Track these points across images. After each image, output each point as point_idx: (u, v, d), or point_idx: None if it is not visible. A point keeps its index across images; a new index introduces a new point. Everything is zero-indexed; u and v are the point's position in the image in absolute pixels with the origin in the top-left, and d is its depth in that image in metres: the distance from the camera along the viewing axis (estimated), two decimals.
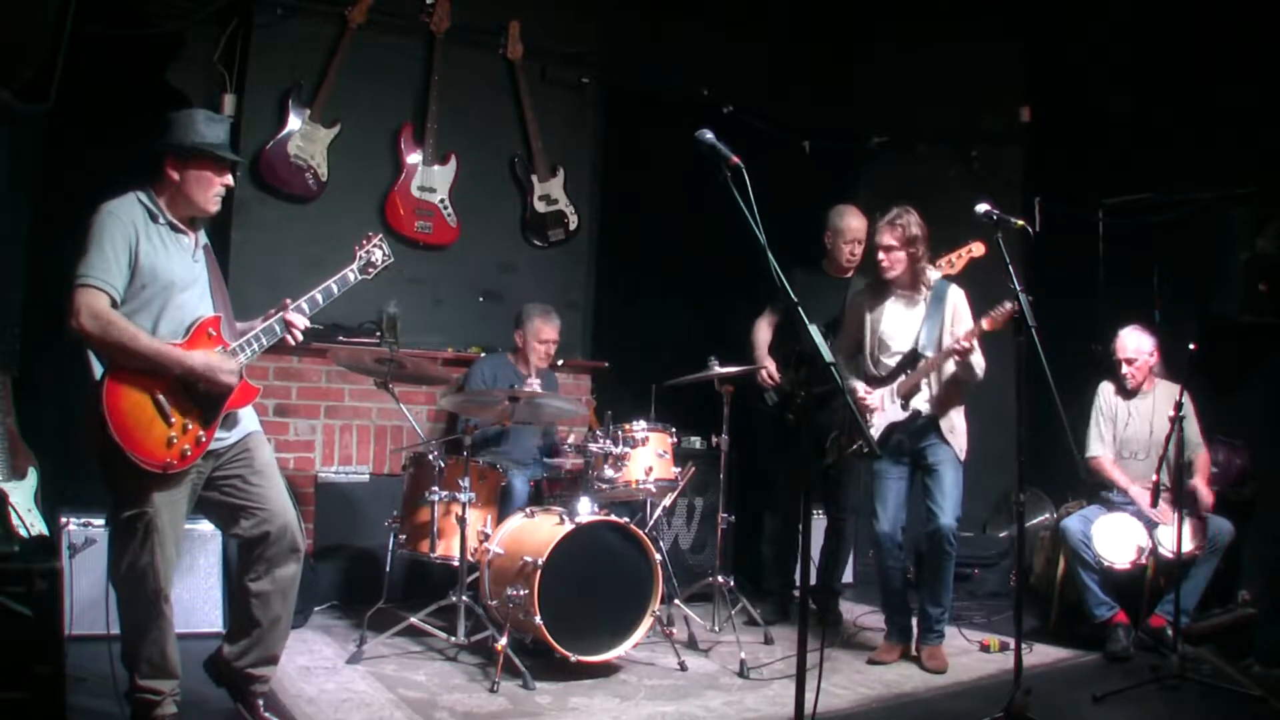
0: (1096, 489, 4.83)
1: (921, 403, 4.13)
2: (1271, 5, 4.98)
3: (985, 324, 3.87)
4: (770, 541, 5.04)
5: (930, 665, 4.13)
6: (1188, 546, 4.34)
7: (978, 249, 4.31)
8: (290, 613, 3.09)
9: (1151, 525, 4.50)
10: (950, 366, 4.09)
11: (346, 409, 5.18)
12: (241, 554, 3.07)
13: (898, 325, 4.22)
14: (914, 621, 4.30)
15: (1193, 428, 4.62)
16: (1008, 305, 3.73)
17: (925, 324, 4.14)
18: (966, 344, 3.93)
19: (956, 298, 4.16)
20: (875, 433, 4.15)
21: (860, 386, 4.22)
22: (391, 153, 5.36)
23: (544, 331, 4.94)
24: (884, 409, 4.18)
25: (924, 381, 4.12)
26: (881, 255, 4.15)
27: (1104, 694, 3.74)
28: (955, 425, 4.17)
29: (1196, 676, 3.85)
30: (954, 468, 4.13)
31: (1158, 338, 4.77)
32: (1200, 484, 4.54)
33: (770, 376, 4.87)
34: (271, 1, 5.00)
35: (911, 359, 4.12)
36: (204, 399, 2.88)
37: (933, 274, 4.19)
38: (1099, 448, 4.82)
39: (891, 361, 4.20)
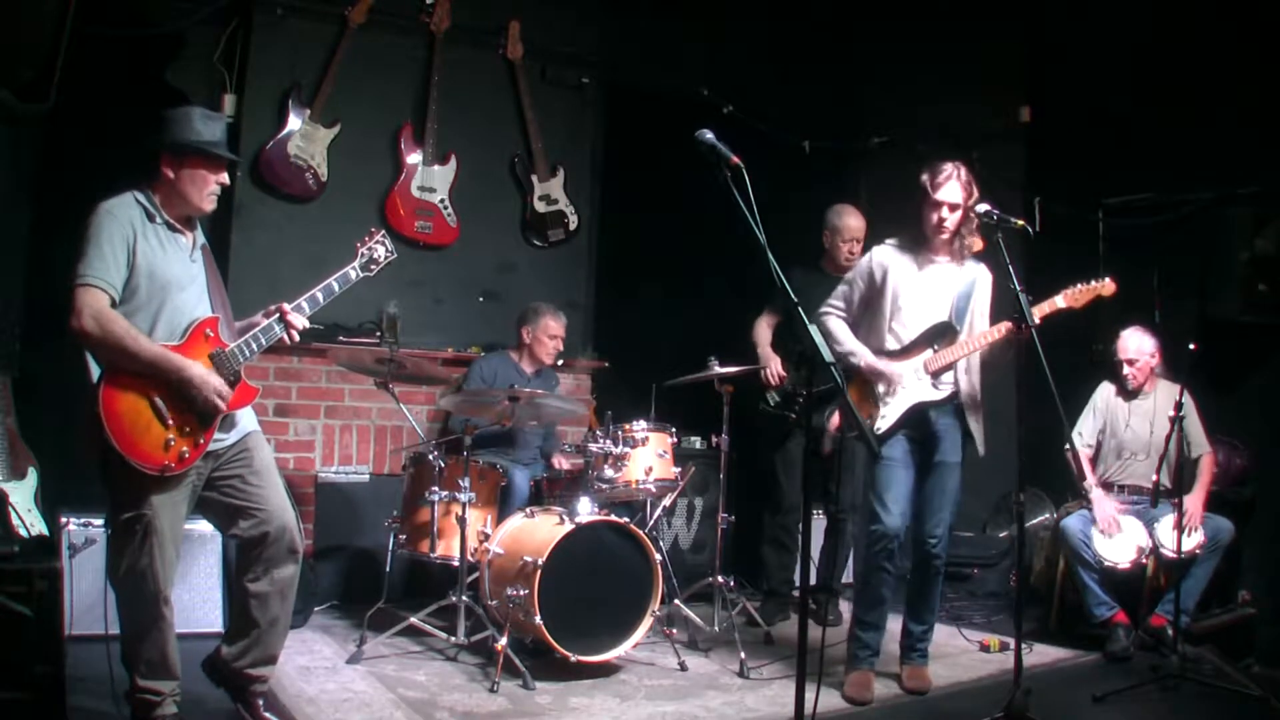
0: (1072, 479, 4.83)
1: (951, 382, 3.78)
2: (1271, 5, 4.98)
3: (1062, 301, 3.65)
4: (769, 541, 5.04)
5: (910, 685, 3.83)
6: (1188, 546, 4.34)
7: (976, 243, 4.17)
8: (289, 613, 3.09)
9: (1152, 524, 4.51)
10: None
11: (346, 409, 5.18)
12: (240, 554, 3.07)
13: (928, 293, 3.79)
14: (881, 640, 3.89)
15: (1196, 428, 4.63)
16: (1096, 284, 3.61)
17: (959, 297, 3.76)
18: (1036, 320, 3.47)
19: (987, 280, 3.83)
20: (898, 411, 3.74)
21: (885, 366, 3.75)
22: (391, 153, 5.37)
23: (553, 327, 4.97)
24: (905, 385, 3.75)
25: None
26: (946, 213, 3.68)
27: (1104, 694, 3.74)
28: (981, 416, 3.84)
29: (1196, 676, 3.84)
30: (961, 469, 3.82)
31: (1159, 339, 4.78)
32: (1197, 496, 4.52)
33: (775, 374, 4.87)
34: (271, 1, 5.01)
35: (942, 331, 3.74)
36: (201, 407, 2.88)
37: (975, 243, 3.80)
38: (1078, 441, 4.81)
39: (913, 331, 3.79)
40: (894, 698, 3.80)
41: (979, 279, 3.82)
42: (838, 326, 3.90)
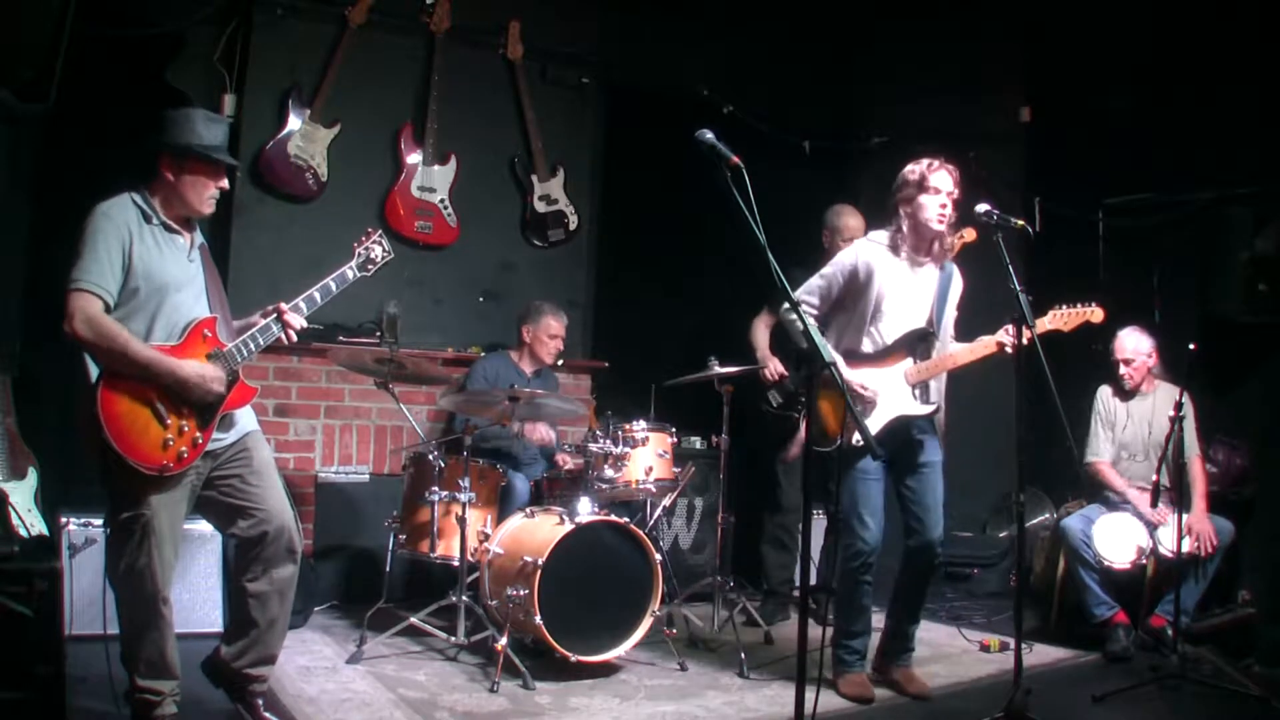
0: (1097, 490, 4.83)
1: (935, 397, 3.72)
2: (1271, 5, 4.98)
3: (1050, 322, 3.62)
4: (769, 541, 5.04)
5: (914, 689, 3.75)
6: (1187, 546, 4.34)
7: (969, 234, 4.03)
8: (288, 613, 3.09)
9: (1152, 526, 4.50)
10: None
11: (346, 409, 5.18)
12: (239, 554, 3.07)
13: (911, 296, 3.70)
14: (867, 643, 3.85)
15: (1190, 431, 4.61)
16: (1084, 309, 3.56)
17: (938, 302, 3.69)
18: (1033, 326, 3.40)
19: (959, 284, 3.77)
20: (879, 423, 3.65)
21: (860, 386, 3.64)
22: (391, 153, 5.37)
23: (554, 326, 4.96)
24: (886, 398, 3.66)
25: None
26: (948, 203, 3.59)
27: (1104, 694, 3.74)
28: (943, 423, 3.81)
29: (1196, 676, 3.84)
30: (940, 469, 3.75)
31: (1157, 339, 4.78)
32: (1198, 508, 4.52)
33: (774, 373, 4.87)
34: (271, 1, 5.01)
35: (921, 337, 3.67)
36: (200, 401, 2.88)
37: (966, 235, 3.77)
38: (1097, 453, 4.80)
39: (892, 335, 3.70)
40: (892, 697, 3.79)
41: (954, 282, 3.76)
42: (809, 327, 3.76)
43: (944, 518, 3.75)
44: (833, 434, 3.68)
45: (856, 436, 3.59)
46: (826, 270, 3.82)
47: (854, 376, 3.65)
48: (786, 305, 3.70)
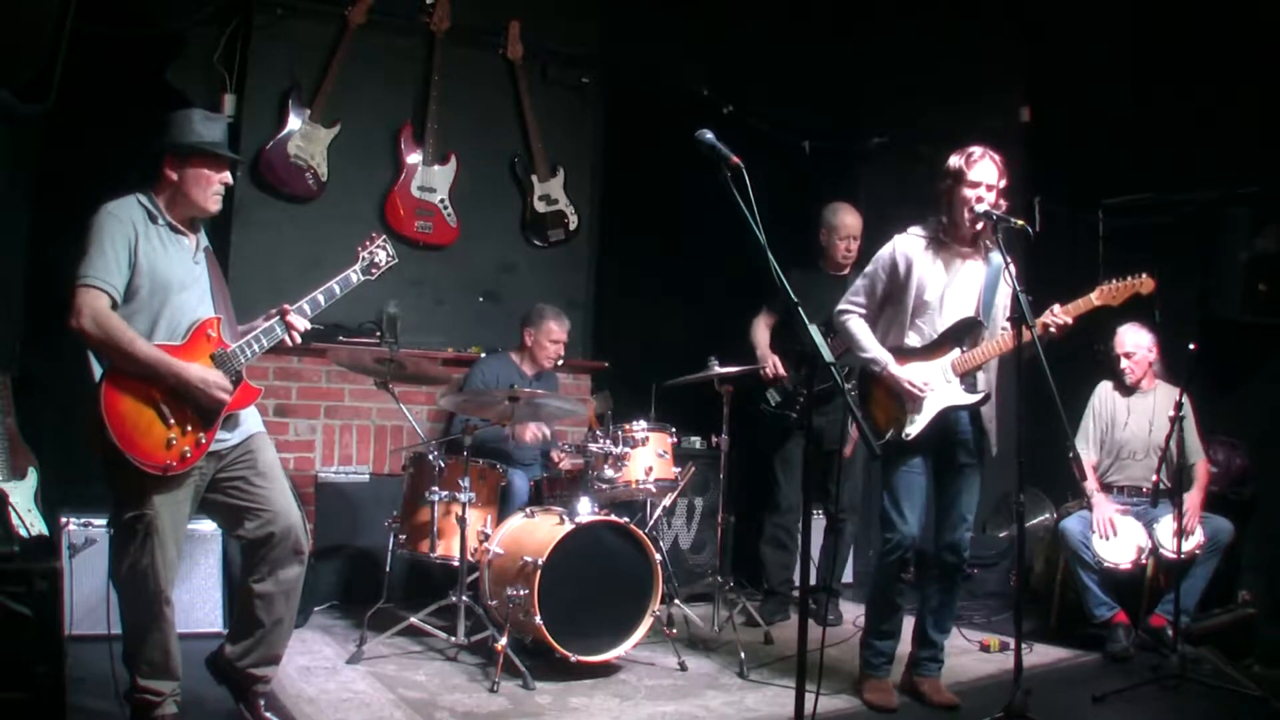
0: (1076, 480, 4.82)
1: (983, 385, 3.61)
2: (1270, 5, 4.98)
3: (1098, 298, 3.53)
4: (769, 541, 5.05)
5: (940, 700, 3.63)
6: (1187, 547, 4.35)
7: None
8: (293, 614, 3.09)
9: (1151, 524, 4.51)
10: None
11: (346, 409, 5.18)
12: (245, 555, 3.07)
13: (955, 287, 3.60)
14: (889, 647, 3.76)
15: (1192, 434, 4.62)
16: (1133, 280, 3.50)
17: (986, 291, 3.59)
18: (1068, 320, 3.44)
19: (1005, 272, 3.58)
20: (929, 416, 3.56)
21: (909, 384, 3.53)
22: (391, 153, 5.37)
23: (556, 331, 4.95)
24: (932, 387, 3.54)
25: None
26: (984, 193, 3.48)
27: (1104, 694, 3.75)
28: (994, 414, 3.68)
29: (1196, 676, 3.85)
30: (978, 472, 3.65)
31: (1156, 335, 4.79)
32: (1195, 496, 4.52)
33: (774, 371, 4.87)
34: (271, 1, 5.01)
35: (969, 327, 3.57)
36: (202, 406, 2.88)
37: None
38: (1082, 447, 4.80)
39: (938, 328, 3.60)
40: None
41: (1002, 271, 3.61)
42: (859, 328, 3.68)
43: (973, 522, 3.67)
44: (882, 428, 3.62)
45: (908, 429, 3.57)
46: (868, 269, 3.75)
47: (902, 372, 3.56)
48: (838, 310, 3.76)
